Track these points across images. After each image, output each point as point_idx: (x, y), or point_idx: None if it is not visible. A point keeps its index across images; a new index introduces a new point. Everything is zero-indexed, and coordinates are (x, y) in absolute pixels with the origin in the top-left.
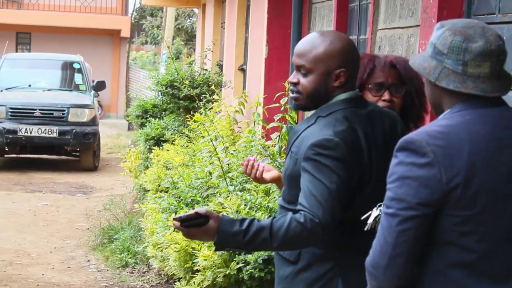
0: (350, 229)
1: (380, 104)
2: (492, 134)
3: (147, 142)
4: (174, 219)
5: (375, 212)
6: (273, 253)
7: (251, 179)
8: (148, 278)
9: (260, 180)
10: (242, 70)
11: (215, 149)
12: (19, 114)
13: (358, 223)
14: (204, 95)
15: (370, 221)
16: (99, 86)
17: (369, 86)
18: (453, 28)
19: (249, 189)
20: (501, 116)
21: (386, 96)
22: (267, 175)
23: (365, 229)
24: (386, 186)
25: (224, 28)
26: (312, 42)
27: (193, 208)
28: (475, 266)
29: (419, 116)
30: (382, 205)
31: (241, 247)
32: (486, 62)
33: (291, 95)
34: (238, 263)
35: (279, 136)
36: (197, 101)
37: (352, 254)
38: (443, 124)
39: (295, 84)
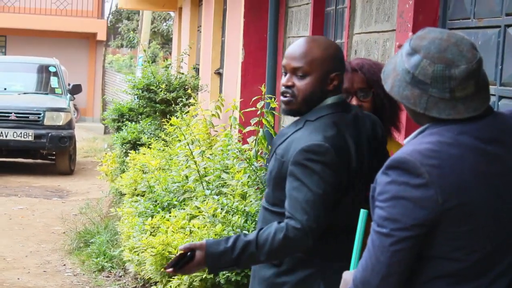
0: (333, 234)
1: None
2: (482, 149)
3: (123, 146)
4: (165, 268)
5: None
6: None
7: (227, 183)
8: (125, 282)
9: None
10: (219, 73)
11: (192, 153)
12: None
13: (340, 228)
14: (180, 99)
15: None
16: (75, 89)
17: None
18: (429, 56)
19: (225, 193)
20: (489, 128)
21: (353, 102)
22: None
23: None
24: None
25: (200, 32)
26: (308, 46)
27: (169, 212)
28: (459, 274)
29: (393, 117)
30: (373, 223)
31: (231, 264)
32: (471, 82)
33: (283, 98)
34: None
35: (255, 140)
36: (173, 105)
37: (334, 259)
38: (433, 140)
39: (290, 87)
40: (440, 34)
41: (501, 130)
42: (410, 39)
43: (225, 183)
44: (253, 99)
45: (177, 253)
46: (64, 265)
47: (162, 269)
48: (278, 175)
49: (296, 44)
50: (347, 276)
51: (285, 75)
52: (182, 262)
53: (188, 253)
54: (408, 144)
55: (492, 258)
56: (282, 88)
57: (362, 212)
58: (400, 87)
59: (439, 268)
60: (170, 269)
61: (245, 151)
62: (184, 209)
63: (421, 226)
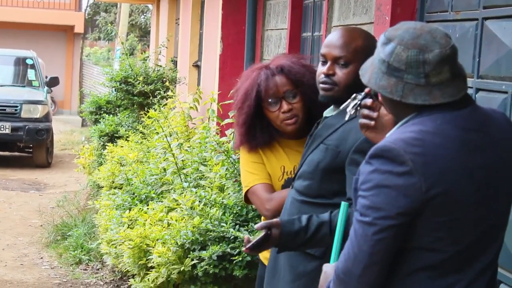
0: None
1: (282, 117)
2: (463, 139)
3: (101, 139)
4: (246, 248)
5: (352, 102)
6: (228, 249)
7: (205, 176)
8: (102, 275)
9: None
10: (197, 66)
11: (170, 145)
12: None
13: None
14: (158, 91)
15: (349, 109)
16: (53, 82)
17: (267, 101)
18: (403, 43)
19: (203, 185)
20: (470, 118)
21: (284, 107)
22: None
23: (346, 118)
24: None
25: (178, 24)
26: (349, 35)
27: (147, 204)
28: (441, 266)
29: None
30: (355, 212)
31: (302, 244)
32: (445, 67)
33: (323, 85)
34: (192, 260)
35: (233, 132)
36: (151, 97)
37: None
38: (416, 129)
39: (330, 75)
40: (414, 25)
41: (482, 121)
42: (385, 31)
43: (203, 175)
44: (231, 92)
45: (256, 233)
46: (41, 258)
47: (245, 251)
48: (331, 166)
49: (336, 33)
50: (328, 269)
51: (324, 64)
52: (261, 241)
53: (268, 232)
54: (391, 133)
55: (474, 250)
56: (322, 77)
57: (343, 205)
58: (377, 78)
59: (421, 259)
60: (248, 250)
61: (223, 143)
62: (162, 201)
63: (404, 215)
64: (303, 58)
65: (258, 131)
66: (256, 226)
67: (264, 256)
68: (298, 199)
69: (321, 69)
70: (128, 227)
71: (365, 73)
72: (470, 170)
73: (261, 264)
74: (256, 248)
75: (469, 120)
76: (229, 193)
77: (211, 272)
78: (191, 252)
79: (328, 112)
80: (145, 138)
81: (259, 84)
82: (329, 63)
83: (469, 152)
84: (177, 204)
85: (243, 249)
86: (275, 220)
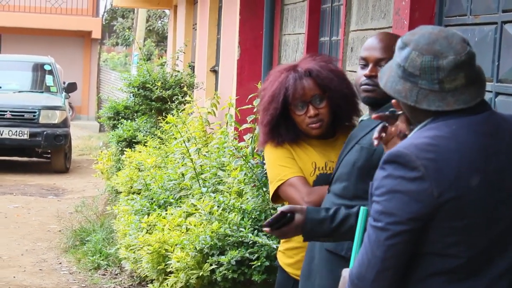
0: None
1: (308, 121)
2: (479, 143)
3: (119, 144)
4: (263, 226)
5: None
6: (247, 254)
7: (224, 181)
8: (121, 280)
9: None
10: (214, 71)
11: (188, 150)
12: None
13: None
14: (176, 97)
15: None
16: (70, 87)
17: (294, 104)
18: (418, 48)
19: (222, 190)
20: (486, 123)
21: (311, 111)
22: None
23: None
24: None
25: (196, 30)
26: (389, 39)
27: (166, 210)
28: (456, 272)
29: (349, 114)
30: (369, 217)
31: (328, 234)
32: (460, 73)
33: (366, 87)
34: (211, 265)
35: (251, 137)
36: (169, 103)
37: None
38: (431, 135)
39: (373, 77)
40: (431, 29)
41: (497, 126)
42: (403, 35)
43: (222, 180)
44: (249, 97)
45: (275, 213)
46: (60, 263)
47: (262, 227)
48: (367, 164)
49: (376, 37)
50: (346, 274)
51: (364, 68)
52: (281, 223)
53: (288, 214)
54: (407, 138)
55: (489, 255)
56: (363, 79)
57: (362, 210)
58: (393, 82)
59: (434, 265)
60: (268, 229)
61: (241, 148)
62: (180, 206)
63: (416, 220)
64: (331, 62)
65: (283, 129)
66: (279, 209)
67: (284, 262)
68: (336, 203)
69: (361, 72)
70: (146, 232)
71: (383, 76)
72: (484, 175)
73: (280, 270)
74: (275, 226)
75: (484, 125)
76: (247, 198)
77: (230, 277)
78: (209, 257)
79: (364, 117)
80: (163, 144)
81: (287, 88)
82: (370, 65)
83: (484, 157)
84: (196, 209)
85: (264, 228)
86: (300, 206)
